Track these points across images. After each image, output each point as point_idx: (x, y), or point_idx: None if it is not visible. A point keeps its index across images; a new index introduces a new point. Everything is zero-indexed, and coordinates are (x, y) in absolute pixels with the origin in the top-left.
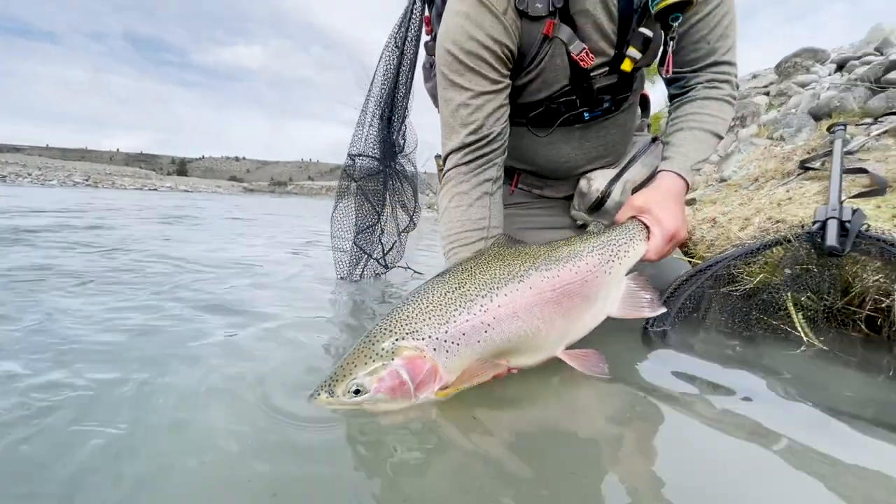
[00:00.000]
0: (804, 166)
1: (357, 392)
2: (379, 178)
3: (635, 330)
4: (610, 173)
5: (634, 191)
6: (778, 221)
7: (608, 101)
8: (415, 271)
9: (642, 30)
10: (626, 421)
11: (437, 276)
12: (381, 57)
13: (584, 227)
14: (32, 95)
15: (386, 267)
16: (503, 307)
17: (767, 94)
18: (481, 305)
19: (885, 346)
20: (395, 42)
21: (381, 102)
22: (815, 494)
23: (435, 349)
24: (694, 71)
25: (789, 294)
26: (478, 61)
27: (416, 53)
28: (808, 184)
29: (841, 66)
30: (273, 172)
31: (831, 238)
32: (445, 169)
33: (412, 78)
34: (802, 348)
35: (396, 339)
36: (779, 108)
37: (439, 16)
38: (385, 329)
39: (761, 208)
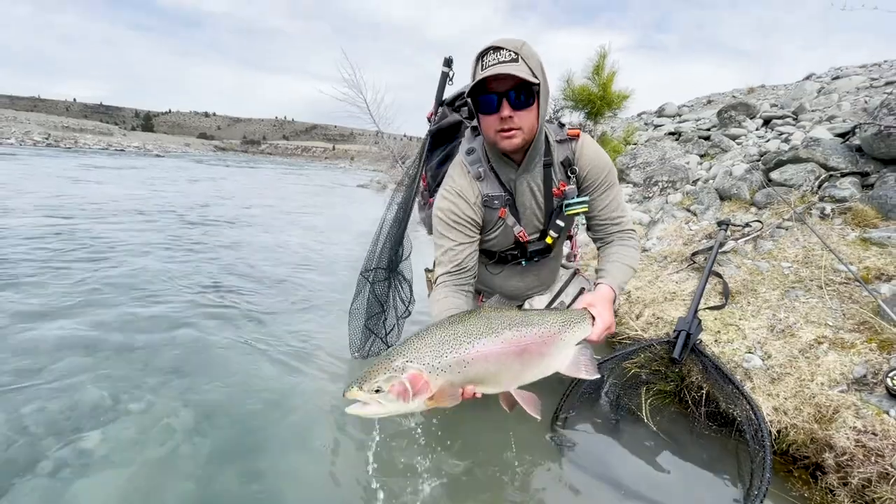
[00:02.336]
0: (693, 259)
1: (377, 391)
2: (386, 283)
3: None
4: (546, 299)
5: (572, 302)
6: (658, 318)
7: (538, 258)
8: None
9: (558, 221)
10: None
11: (443, 320)
12: (392, 198)
13: None
14: None
15: (387, 345)
16: (479, 352)
17: (708, 138)
18: (465, 348)
19: (694, 422)
20: (406, 183)
21: (391, 231)
22: None
23: (430, 372)
24: (608, 235)
25: (644, 389)
26: (458, 225)
27: (414, 194)
28: (691, 277)
29: (767, 122)
30: (246, 130)
31: (677, 351)
32: (437, 281)
33: (411, 209)
34: (643, 427)
35: (407, 361)
36: (711, 162)
37: (433, 176)
38: (399, 353)
39: (656, 298)
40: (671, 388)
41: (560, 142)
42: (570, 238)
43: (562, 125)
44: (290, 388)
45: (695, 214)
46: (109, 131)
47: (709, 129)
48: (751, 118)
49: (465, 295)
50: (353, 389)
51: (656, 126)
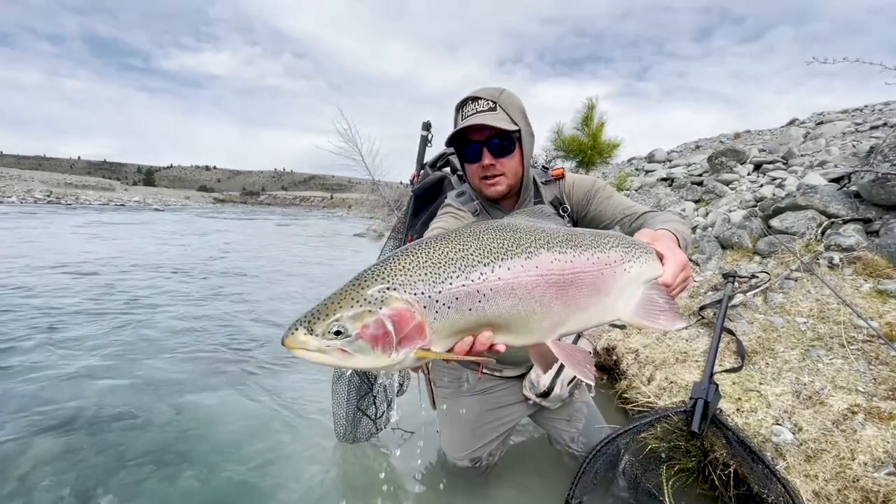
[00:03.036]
0: (701, 314)
1: (338, 333)
2: None
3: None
4: (555, 367)
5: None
6: (672, 382)
7: None
8: (404, 430)
9: None
10: None
11: (447, 231)
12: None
13: (535, 405)
14: None
15: (378, 429)
16: (503, 280)
17: (701, 183)
18: (481, 273)
19: None
20: (391, 245)
21: None
22: None
23: (425, 307)
24: (634, 227)
25: (664, 466)
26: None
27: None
28: (702, 333)
29: (758, 167)
30: (245, 182)
31: (695, 423)
32: None
33: None
34: None
35: (388, 288)
36: (707, 207)
37: (418, 236)
38: (378, 275)
39: (666, 359)
40: (693, 464)
41: (546, 183)
42: None
43: (545, 168)
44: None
45: (697, 264)
46: (111, 186)
47: (700, 175)
48: (741, 163)
49: None
50: (299, 333)
51: (647, 171)
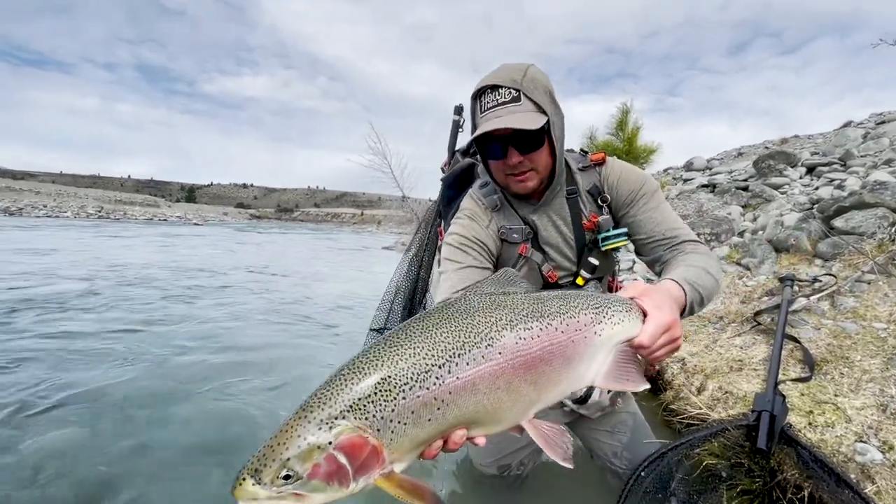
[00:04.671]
0: (756, 319)
1: (287, 478)
2: None
3: None
4: None
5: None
6: (727, 392)
7: None
8: None
9: (591, 259)
10: None
11: (393, 331)
12: (405, 253)
13: (572, 412)
14: (45, 123)
15: None
16: (461, 379)
17: (746, 189)
18: (436, 378)
19: None
20: (413, 260)
21: (403, 287)
22: None
23: (379, 429)
24: (670, 250)
25: (724, 486)
26: (466, 248)
27: (433, 249)
28: (759, 340)
29: (811, 170)
30: (280, 199)
31: (762, 440)
32: None
33: (430, 265)
34: None
35: (335, 416)
36: (755, 212)
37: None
38: (323, 401)
39: (718, 367)
40: (758, 486)
41: (583, 169)
42: (610, 288)
43: (584, 153)
44: None
45: (748, 269)
46: (156, 203)
47: (746, 180)
48: (791, 166)
49: None
50: (246, 484)
51: (686, 180)
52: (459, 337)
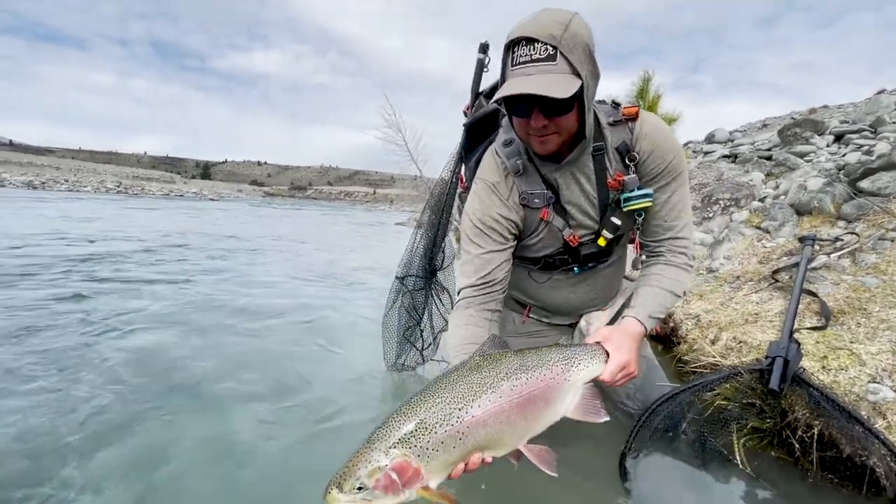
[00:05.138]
0: (774, 277)
1: (360, 488)
2: (422, 292)
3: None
4: (606, 316)
5: None
6: (741, 342)
7: (593, 263)
8: (448, 363)
9: (614, 219)
10: None
11: (427, 386)
12: (427, 201)
13: None
14: (63, 99)
15: (423, 360)
16: (476, 417)
17: (770, 158)
18: (458, 418)
19: (805, 471)
20: (432, 208)
21: (425, 236)
22: None
23: (419, 455)
24: (657, 242)
25: (734, 426)
26: (488, 229)
27: (454, 194)
28: (775, 296)
29: (839, 138)
30: (294, 177)
31: (774, 381)
32: (459, 297)
33: (450, 212)
34: (736, 472)
35: (390, 447)
36: (777, 180)
37: (471, 174)
38: (380, 437)
39: (733, 320)
40: (769, 425)
41: (614, 124)
42: (632, 241)
43: (616, 105)
44: None
45: (767, 232)
46: (172, 179)
47: (769, 150)
48: (819, 134)
49: (489, 320)
50: (333, 492)
51: (706, 153)
52: (472, 388)
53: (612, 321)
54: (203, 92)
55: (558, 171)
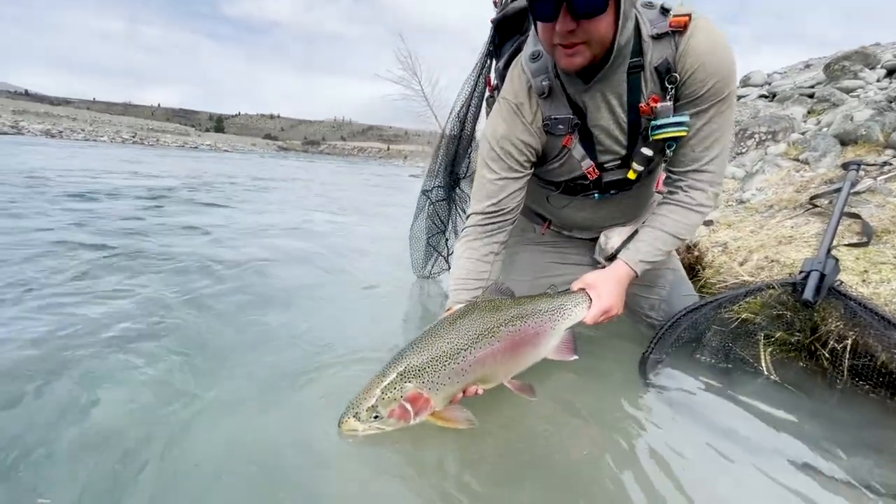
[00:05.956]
0: (813, 202)
1: (376, 417)
2: (446, 202)
3: (635, 354)
4: (626, 232)
5: None
6: (773, 261)
7: (616, 191)
8: None
9: (644, 150)
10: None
11: (435, 326)
12: (453, 105)
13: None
14: (76, 48)
15: (449, 266)
16: (477, 357)
17: (812, 96)
18: (463, 357)
19: (833, 380)
20: (458, 116)
21: (450, 147)
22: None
23: (429, 388)
24: (679, 173)
25: (762, 334)
26: (505, 154)
27: (480, 102)
28: (812, 220)
29: (891, 72)
30: (307, 132)
31: (808, 292)
32: (466, 225)
33: (476, 119)
34: (762, 380)
35: (404, 379)
36: (819, 116)
37: (501, 77)
38: (394, 370)
39: (765, 243)
40: (799, 338)
41: (658, 37)
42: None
43: (665, 10)
44: None
45: (806, 163)
46: (187, 132)
47: (812, 87)
48: (870, 68)
49: (495, 254)
50: (350, 420)
51: (741, 97)
52: (477, 331)
53: (629, 238)
54: (214, 40)
55: (587, 91)
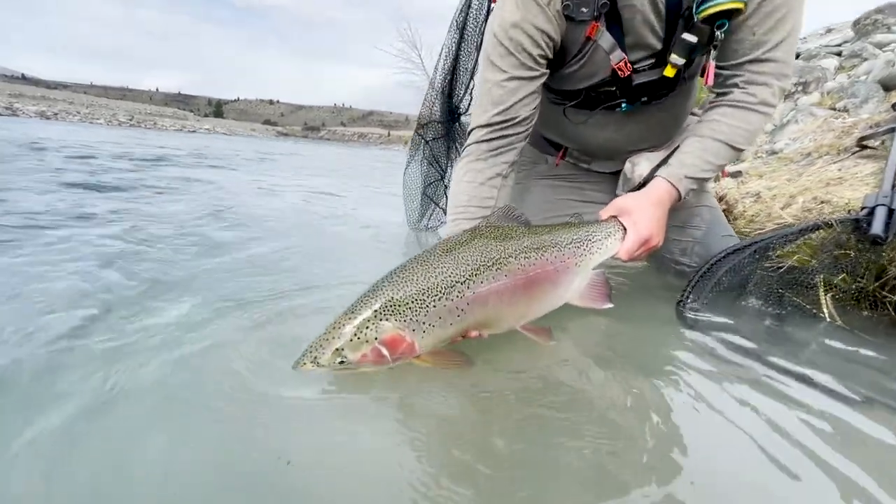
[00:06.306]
0: (862, 144)
1: (342, 363)
2: (444, 140)
3: (670, 301)
4: (656, 157)
5: None
6: (823, 202)
7: (647, 98)
8: None
9: (686, 36)
10: (641, 395)
11: (426, 252)
12: (446, 38)
13: None
14: (72, 31)
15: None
16: (478, 294)
17: (839, 54)
18: (459, 293)
19: None
20: (456, 25)
21: (445, 75)
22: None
23: (413, 329)
24: (734, 66)
25: (821, 277)
26: (518, 47)
27: (483, 28)
28: (863, 163)
29: None
30: (307, 117)
31: (877, 227)
32: (468, 142)
33: (480, 46)
34: (824, 325)
35: (379, 317)
36: (849, 72)
37: None
38: (368, 304)
39: (809, 187)
40: (862, 284)
41: None
42: (703, 72)
43: None
44: None
45: (845, 110)
46: (185, 117)
47: (839, 45)
48: None
49: (502, 177)
50: (307, 365)
51: None
52: (477, 260)
53: (660, 164)
54: (212, 24)
55: None
